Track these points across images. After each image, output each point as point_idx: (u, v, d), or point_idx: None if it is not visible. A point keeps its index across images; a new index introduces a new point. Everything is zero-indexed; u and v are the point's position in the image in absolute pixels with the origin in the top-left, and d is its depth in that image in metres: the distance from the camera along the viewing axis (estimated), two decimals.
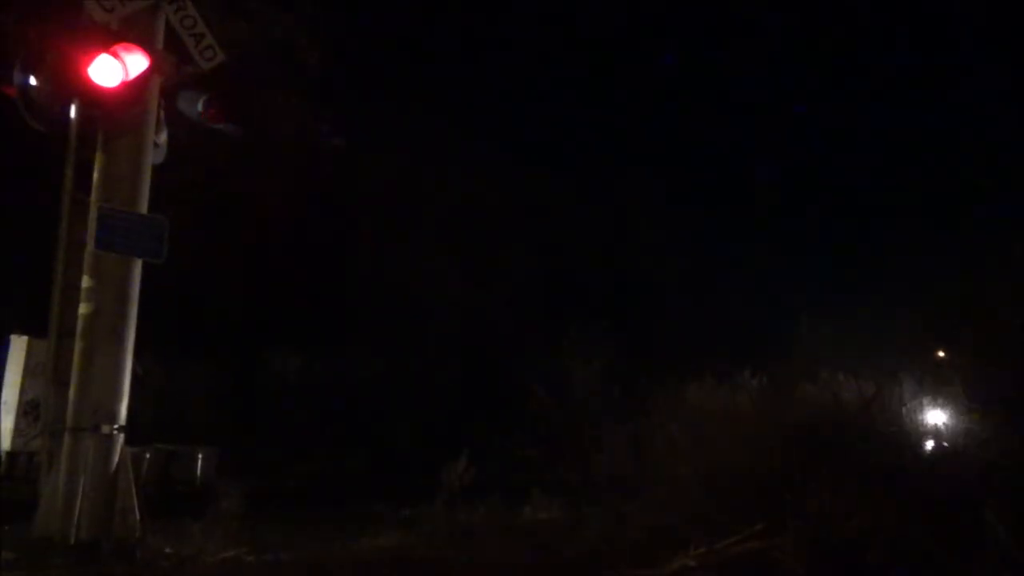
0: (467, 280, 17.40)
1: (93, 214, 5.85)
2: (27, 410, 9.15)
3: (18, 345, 9.39)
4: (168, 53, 6.28)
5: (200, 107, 6.55)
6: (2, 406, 9.24)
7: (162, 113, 6.41)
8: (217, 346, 13.99)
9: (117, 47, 5.85)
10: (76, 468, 5.65)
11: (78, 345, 5.81)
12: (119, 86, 5.85)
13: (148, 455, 9.19)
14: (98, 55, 5.77)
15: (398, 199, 16.83)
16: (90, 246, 5.84)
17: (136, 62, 5.91)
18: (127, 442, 5.91)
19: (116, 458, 5.80)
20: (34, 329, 8.79)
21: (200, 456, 10.36)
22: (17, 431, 9.06)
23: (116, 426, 5.80)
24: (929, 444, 7.68)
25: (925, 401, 8.42)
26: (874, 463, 6.59)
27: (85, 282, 5.87)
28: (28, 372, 9.26)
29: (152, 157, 6.26)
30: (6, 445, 8.90)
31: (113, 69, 5.81)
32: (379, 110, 16.13)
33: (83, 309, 5.85)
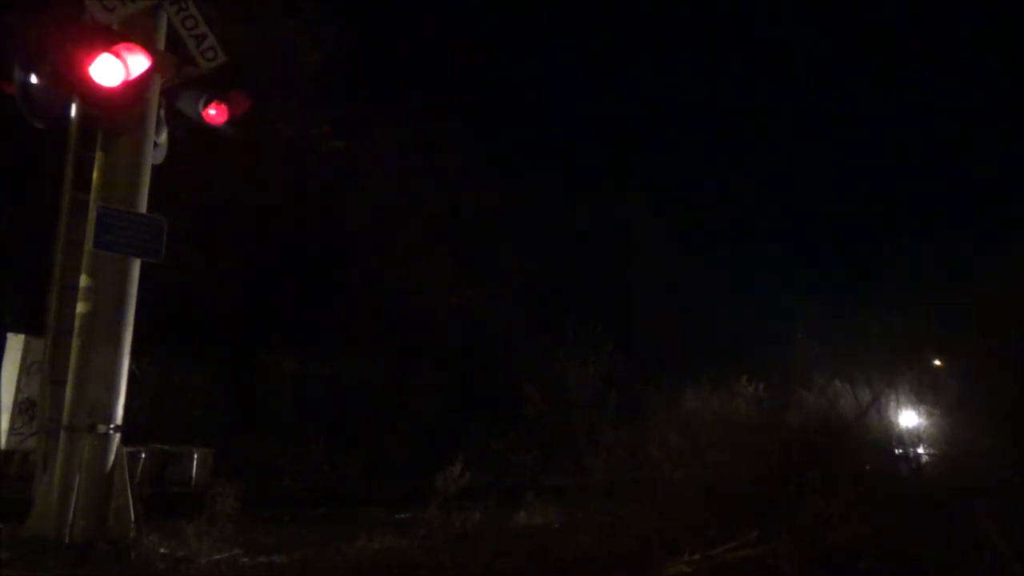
0: (464, 283, 17.41)
1: (92, 213, 5.85)
2: (23, 409, 9.14)
3: (15, 343, 9.38)
4: (169, 53, 6.30)
5: (201, 106, 6.55)
6: None
7: (162, 113, 6.41)
8: (214, 347, 13.97)
9: (119, 47, 5.86)
10: (71, 467, 5.64)
11: (75, 344, 5.80)
12: (120, 85, 5.85)
13: (144, 455, 9.18)
14: (99, 54, 5.78)
15: (396, 201, 16.84)
16: (89, 245, 5.84)
17: (137, 62, 5.91)
18: (123, 442, 5.91)
19: (112, 458, 5.79)
20: (31, 327, 8.79)
21: (196, 457, 10.35)
22: (12, 430, 9.05)
23: (112, 425, 5.79)
24: (924, 451, 7.70)
25: (921, 408, 8.43)
26: (870, 470, 6.61)
27: (83, 281, 5.87)
28: (24, 370, 9.25)
29: (152, 157, 6.26)
30: (2, 444, 8.88)
31: (114, 68, 5.82)
32: (378, 112, 16.13)
33: (81, 308, 5.85)
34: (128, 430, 6.01)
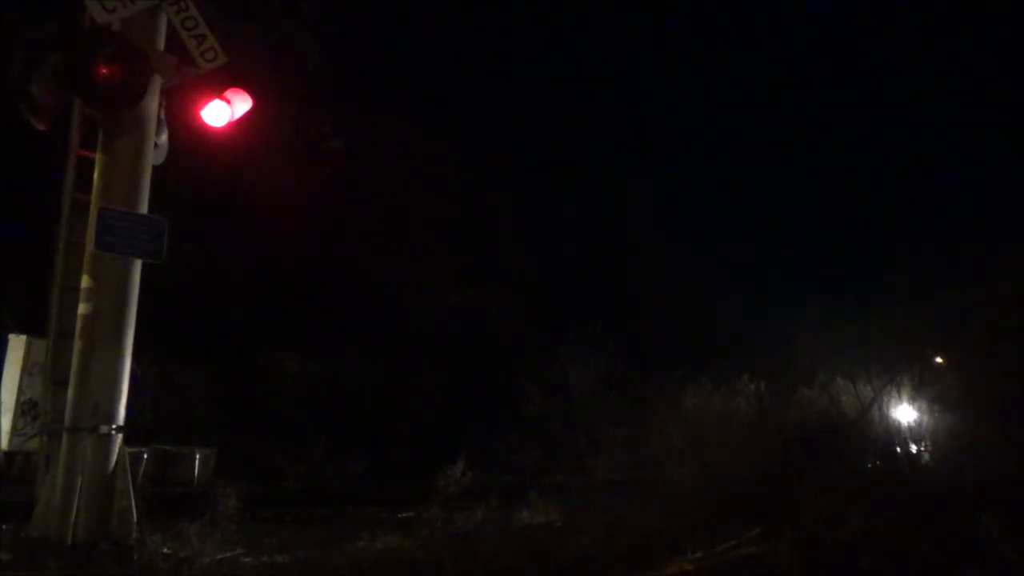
0: (464, 283, 17.41)
1: (93, 214, 5.85)
2: (25, 410, 9.14)
3: (16, 345, 9.38)
4: (169, 53, 6.30)
5: (201, 107, 6.55)
6: (0, 406, 9.22)
7: (162, 113, 6.41)
8: (215, 348, 13.98)
9: (118, 47, 5.85)
10: (74, 468, 5.64)
11: (77, 345, 5.80)
12: (120, 86, 5.84)
13: (146, 456, 9.19)
14: (100, 55, 5.77)
15: (396, 201, 16.85)
16: (90, 246, 5.84)
17: (138, 63, 5.91)
18: (125, 442, 5.91)
19: (114, 458, 5.79)
20: (33, 329, 8.79)
21: (198, 457, 10.37)
22: (15, 431, 9.05)
23: (114, 426, 5.79)
24: (926, 448, 7.70)
25: (922, 405, 8.44)
26: (870, 467, 6.61)
27: (84, 282, 5.87)
28: (26, 372, 9.25)
29: (152, 157, 6.26)
30: (4, 445, 8.88)
31: (114, 70, 5.81)
32: (378, 112, 16.13)
33: (82, 309, 5.85)
34: (130, 431, 6.02)
